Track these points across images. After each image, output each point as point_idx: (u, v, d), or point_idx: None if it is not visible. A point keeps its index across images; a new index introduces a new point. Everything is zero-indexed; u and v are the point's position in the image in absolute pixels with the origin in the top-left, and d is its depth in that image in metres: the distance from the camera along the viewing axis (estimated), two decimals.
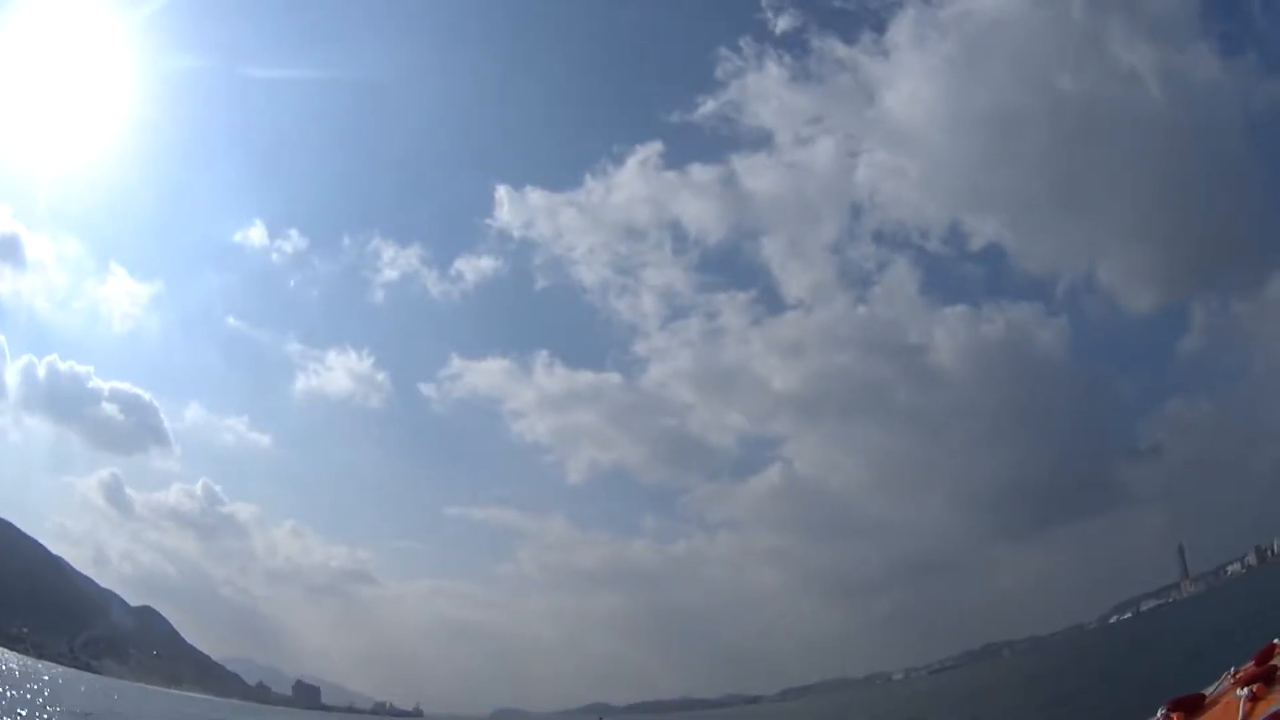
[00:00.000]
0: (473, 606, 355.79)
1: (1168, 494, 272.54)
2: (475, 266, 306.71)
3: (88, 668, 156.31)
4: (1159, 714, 2.95)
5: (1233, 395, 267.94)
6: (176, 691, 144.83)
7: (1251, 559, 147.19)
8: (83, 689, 70.54)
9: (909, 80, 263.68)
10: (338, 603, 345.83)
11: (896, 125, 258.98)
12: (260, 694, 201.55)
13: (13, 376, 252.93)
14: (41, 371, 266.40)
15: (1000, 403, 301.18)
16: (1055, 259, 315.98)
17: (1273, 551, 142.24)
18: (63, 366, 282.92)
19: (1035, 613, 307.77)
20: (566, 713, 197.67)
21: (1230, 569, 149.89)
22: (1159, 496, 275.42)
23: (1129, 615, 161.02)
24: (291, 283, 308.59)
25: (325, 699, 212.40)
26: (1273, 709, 2.27)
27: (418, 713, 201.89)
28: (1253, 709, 2.45)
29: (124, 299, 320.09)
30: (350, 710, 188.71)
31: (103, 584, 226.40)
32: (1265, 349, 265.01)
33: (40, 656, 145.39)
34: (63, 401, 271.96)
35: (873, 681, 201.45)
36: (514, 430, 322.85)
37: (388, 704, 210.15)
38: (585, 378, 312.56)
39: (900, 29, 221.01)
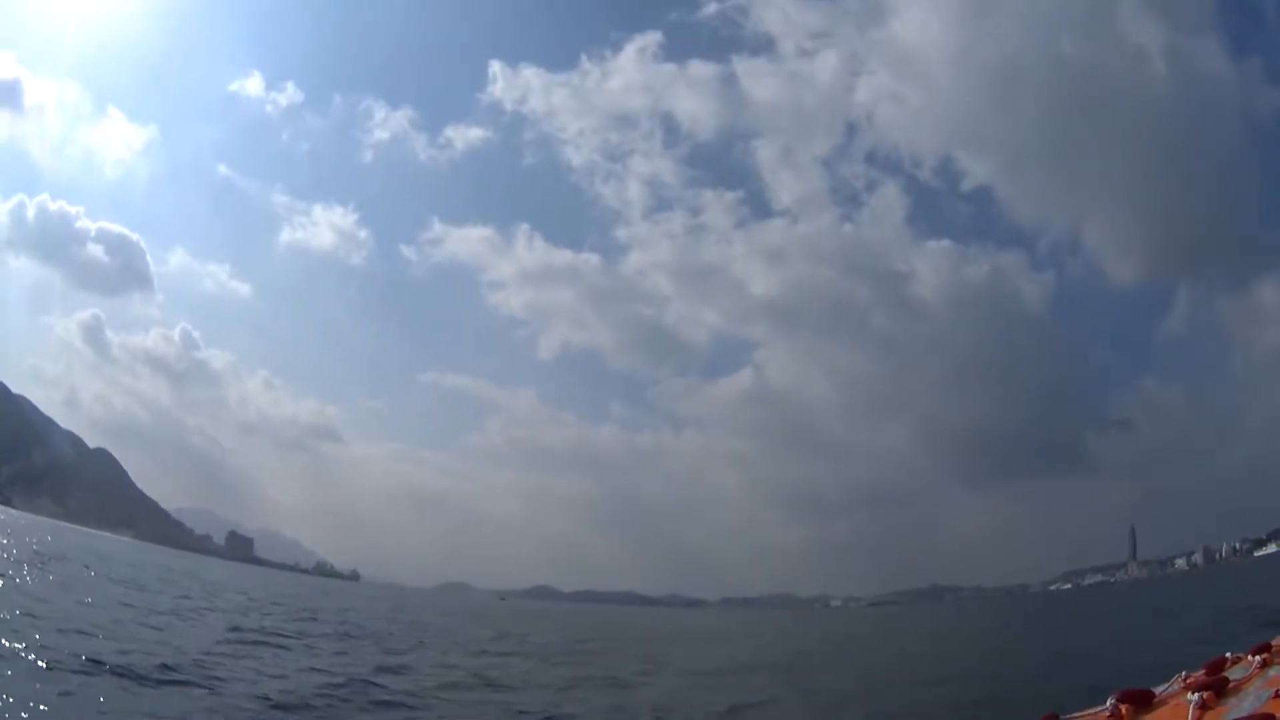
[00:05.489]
0: (436, 475, 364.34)
1: (1131, 472, 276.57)
2: (465, 135, 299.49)
3: (9, 502, 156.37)
4: (1108, 703, 2.99)
5: (1208, 388, 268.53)
6: (84, 528, 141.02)
7: (1199, 558, 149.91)
8: None
9: (920, 9, 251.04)
10: (303, 459, 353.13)
11: (902, 51, 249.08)
12: (201, 544, 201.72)
13: (2, 217, 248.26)
14: (31, 212, 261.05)
15: (976, 345, 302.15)
16: (1044, 213, 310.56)
17: (1221, 555, 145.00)
18: (53, 206, 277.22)
19: (984, 564, 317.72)
20: (511, 591, 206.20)
21: (1178, 563, 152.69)
22: (1122, 472, 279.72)
23: (1070, 586, 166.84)
24: (284, 135, 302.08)
25: (278, 556, 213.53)
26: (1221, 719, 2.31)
27: (354, 576, 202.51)
28: (1201, 716, 2.52)
29: (118, 142, 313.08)
30: (283, 567, 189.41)
31: (66, 426, 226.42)
32: (1245, 350, 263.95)
33: None
34: (50, 241, 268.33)
35: (813, 604, 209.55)
36: (490, 301, 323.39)
37: (328, 564, 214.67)
38: (564, 256, 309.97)
39: None
